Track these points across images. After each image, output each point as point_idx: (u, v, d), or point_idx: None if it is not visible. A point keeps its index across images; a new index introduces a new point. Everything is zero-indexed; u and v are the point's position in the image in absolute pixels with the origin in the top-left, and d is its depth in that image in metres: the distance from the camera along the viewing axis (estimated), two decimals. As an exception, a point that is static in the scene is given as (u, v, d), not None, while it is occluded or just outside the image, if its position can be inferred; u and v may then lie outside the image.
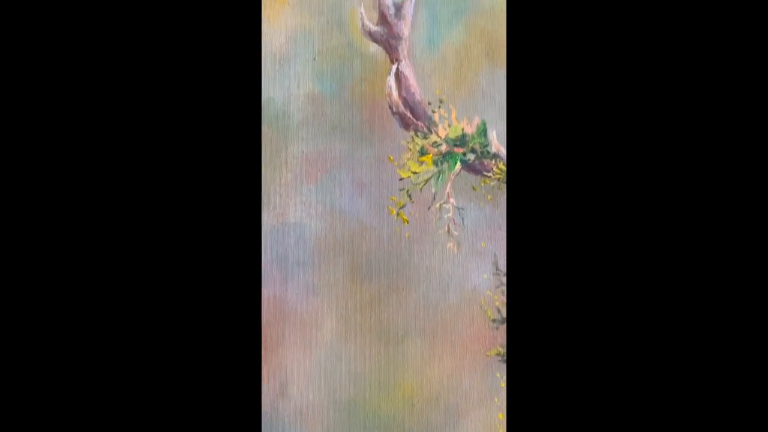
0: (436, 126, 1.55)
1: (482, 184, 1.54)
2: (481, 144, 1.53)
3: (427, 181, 1.54)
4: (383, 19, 1.55)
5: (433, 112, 1.57)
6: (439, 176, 1.53)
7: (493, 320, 1.55)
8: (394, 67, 1.57)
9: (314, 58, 1.59)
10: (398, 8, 1.56)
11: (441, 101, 1.57)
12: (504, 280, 1.55)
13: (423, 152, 1.54)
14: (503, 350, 1.53)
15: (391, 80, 1.56)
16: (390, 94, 1.56)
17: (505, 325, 1.54)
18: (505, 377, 1.53)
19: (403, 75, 1.57)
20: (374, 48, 1.59)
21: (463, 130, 1.54)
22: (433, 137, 1.54)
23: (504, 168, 1.51)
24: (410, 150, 1.55)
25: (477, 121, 1.55)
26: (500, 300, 1.56)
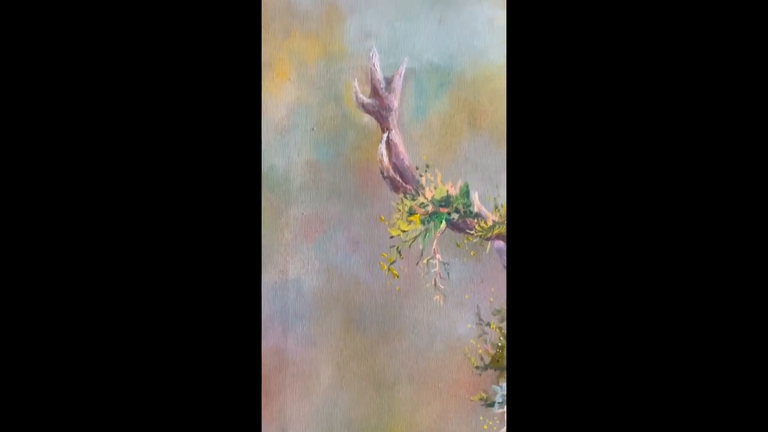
0: (423, 188, 1.58)
1: (465, 241, 1.58)
2: (464, 204, 1.58)
3: (415, 238, 1.58)
4: (375, 93, 1.60)
5: (421, 176, 1.59)
6: (426, 234, 1.57)
7: (477, 367, 1.58)
8: (385, 135, 1.60)
9: (312, 129, 1.64)
10: (388, 82, 1.60)
11: (428, 166, 1.60)
12: (486, 329, 1.59)
13: (411, 212, 1.58)
14: (486, 395, 1.56)
15: (383, 147, 1.59)
16: (381, 160, 1.59)
17: (487, 371, 1.56)
18: (487, 421, 1.56)
19: (393, 143, 1.59)
20: (367, 118, 1.62)
21: (447, 192, 1.58)
22: (421, 199, 1.58)
23: (485, 226, 1.56)
24: (400, 210, 1.59)
25: (460, 183, 1.59)
26: (483, 348, 1.59)
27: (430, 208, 1.57)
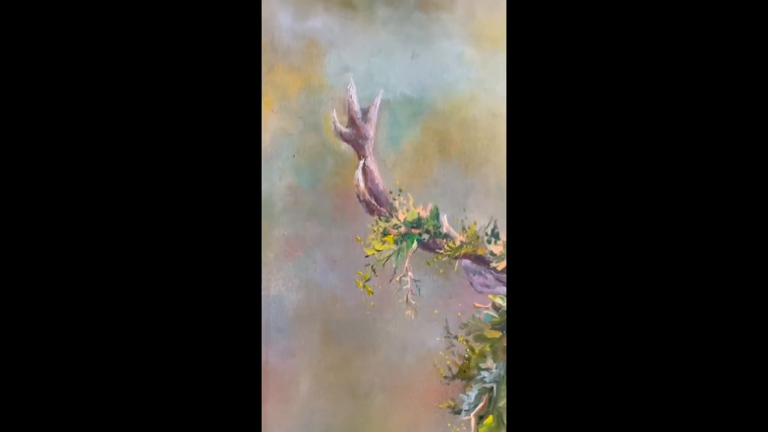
0: (397, 211, 1.63)
1: (435, 260, 1.63)
2: (434, 226, 1.63)
3: (388, 257, 1.63)
4: (352, 122, 1.65)
5: (394, 199, 1.65)
6: (399, 253, 1.62)
7: (445, 377, 1.62)
8: (362, 162, 1.65)
9: (294, 156, 1.66)
10: (365, 113, 1.65)
11: (401, 190, 1.65)
12: (454, 341, 1.62)
13: (385, 233, 1.63)
14: (453, 403, 1.60)
15: (359, 173, 1.64)
16: (358, 185, 1.64)
17: (455, 381, 1.60)
18: (454, 427, 1.60)
19: (369, 169, 1.65)
20: (345, 146, 1.66)
21: (419, 214, 1.64)
22: (394, 221, 1.63)
23: (454, 246, 1.62)
24: (374, 231, 1.63)
25: (430, 206, 1.64)
26: (451, 359, 1.62)
27: (402, 230, 1.63)
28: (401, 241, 1.62)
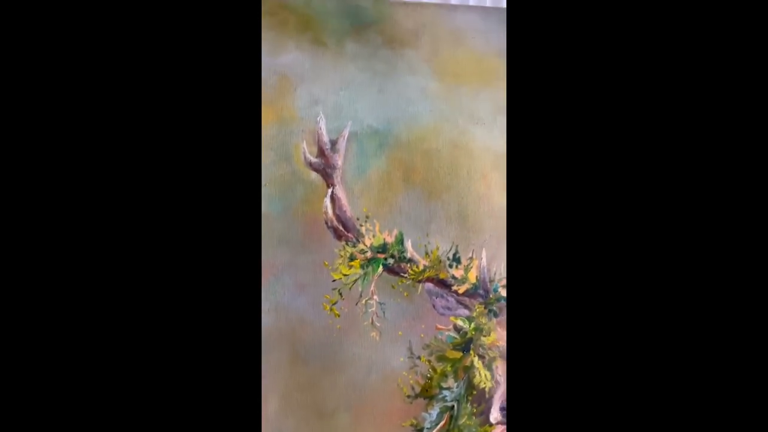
0: (363, 237, 1.66)
1: (399, 283, 1.66)
2: (399, 251, 1.67)
3: (355, 281, 1.65)
4: (321, 153, 1.66)
5: (361, 225, 1.67)
6: (365, 277, 1.65)
7: (408, 396, 1.65)
8: (330, 190, 1.66)
9: (265, 185, 1.67)
10: (333, 144, 1.67)
11: (367, 217, 1.68)
12: (417, 362, 1.65)
13: (352, 258, 1.65)
14: (416, 421, 1.63)
15: (327, 201, 1.65)
16: (326, 212, 1.65)
17: (417, 400, 1.64)
18: None
19: (337, 196, 1.66)
20: (314, 175, 1.68)
21: (384, 239, 1.67)
22: (361, 246, 1.66)
23: (417, 270, 1.66)
24: (342, 256, 1.65)
25: (395, 232, 1.68)
26: (414, 379, 1.65)
27: (369, 254, 1.65)
28: (367, 266, 1.65)
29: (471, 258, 1.71)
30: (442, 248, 1.71)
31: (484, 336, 1.68)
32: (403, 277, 1.67)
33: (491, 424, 1.64)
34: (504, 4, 1.85)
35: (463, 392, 1.64)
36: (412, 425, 1.64)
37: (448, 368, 1.65)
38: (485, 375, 1.66)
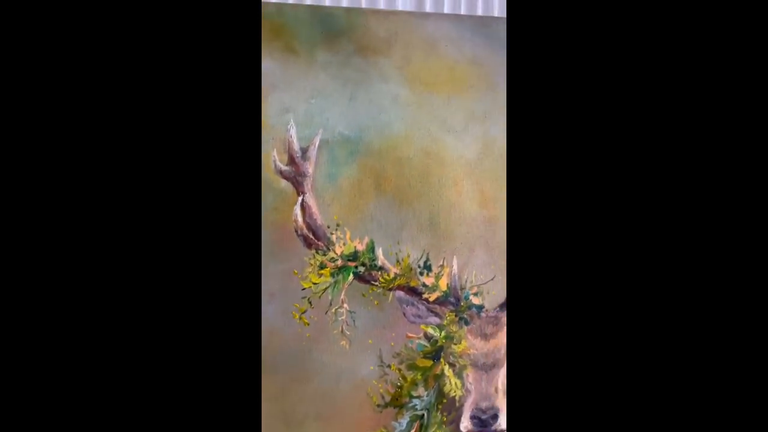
0: (334, 245, 1.66)
1: (370, 291, 1.67)
2: (369, 259, 1.67)
3: (325, 290, 1.65)
4: (292, 161, 1.66)
5: (332, 233, 1.67)
6: (335, 286, 1.65)
7: (378, 405, 1.66)
8: (300, 198, 1.66)
9: None
10: (304, 151, 1.67)
11: (338, 225, 1.68)
12: (387, 370, 1.66)
13: (322, 266, 1.66)
14: (386, 430, 1.64)
15: (298, 209, 1.65)
16: (296, 220, 1.65)
17: (387, 409, 1.64)
18: None
19: (308, 204, 1.67)
20: (284, 183, 1.67)
21: (355, 248, 1.67)
22: (331, 254, 1.66)
23: (388, 278, 1.67)
24: (312, 265, 1.66)
25: (366, 240, 1.68)
26: (384, 388, 1.66)
27: (339, 263, 1.66)
28: (338, 274, 1.66)
29: (442, 266, 1.73)
30: (413, 256, 1.72)
31: (455, 344, 1.69)
32: (373, 285, 1.67)
33: (462, 433, 1.65)
34: (479, 13, 1.89)
35: (433, 401, 1.65)
36: (381, 434, 1.64)
37: (419, 377, 1.66)
38: (456, 383, 1.67)
